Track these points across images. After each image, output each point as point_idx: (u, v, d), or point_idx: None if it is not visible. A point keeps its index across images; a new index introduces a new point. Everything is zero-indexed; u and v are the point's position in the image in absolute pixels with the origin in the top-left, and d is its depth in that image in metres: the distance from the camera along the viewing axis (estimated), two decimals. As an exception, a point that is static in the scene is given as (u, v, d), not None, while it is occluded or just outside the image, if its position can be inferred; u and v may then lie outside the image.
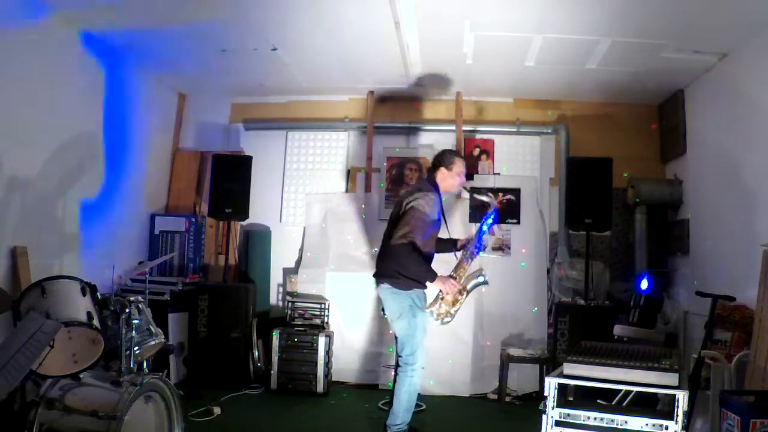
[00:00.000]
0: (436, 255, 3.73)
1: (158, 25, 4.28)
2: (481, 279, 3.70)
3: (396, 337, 3.67)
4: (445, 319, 3.64)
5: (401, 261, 3.47)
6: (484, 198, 3.84)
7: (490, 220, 3.80)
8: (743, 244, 4.00)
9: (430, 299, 3.65)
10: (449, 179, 3.74)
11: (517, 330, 5.18)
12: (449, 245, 3.87)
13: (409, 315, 3.52)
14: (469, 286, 3.69)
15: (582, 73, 4.93)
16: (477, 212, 5.23)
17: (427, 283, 3.54)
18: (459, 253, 3.82)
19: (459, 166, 3.75)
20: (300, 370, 4.83)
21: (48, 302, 2.77)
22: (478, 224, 3.84)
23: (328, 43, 4.56)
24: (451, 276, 3.65)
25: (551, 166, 5.69)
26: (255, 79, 5.48)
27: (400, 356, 3.59)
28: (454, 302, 3.64)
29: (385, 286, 3.56)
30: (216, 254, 5.67)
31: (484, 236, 3.84)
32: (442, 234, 3.77)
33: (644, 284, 4.62)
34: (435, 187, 3.68)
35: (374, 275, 3.67)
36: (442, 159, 3.75)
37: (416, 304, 3.55)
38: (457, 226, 5.21)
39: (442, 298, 3.62)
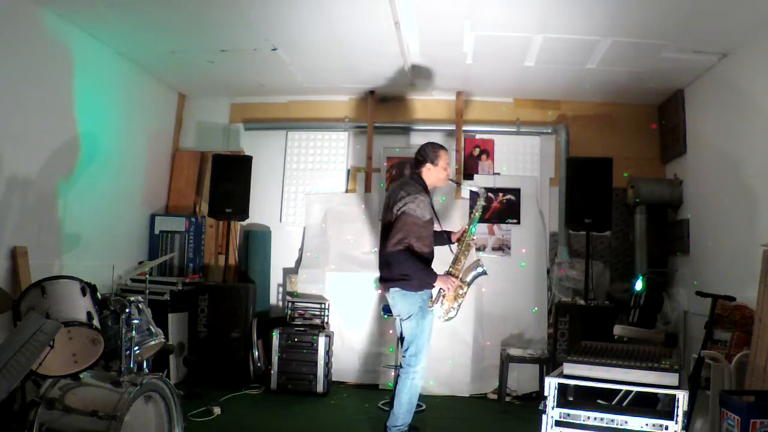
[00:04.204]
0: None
1: (158, 24, 4.29)
2: (480, 270, 3.68)
3: (400, 338, 3.66)
4: (449, 314, 3.63)
5: (402, 265, 3.46)
6: (473, 189, 3.82)
7: (480, 212, 3.76)
8: (743, 244, 4.00)
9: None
10: (436, 174, 3.69)
11: (517, 330, 5.18)
12: (443, 238, 3.84)
13: (419, 316, 3.53)
14: (468, 279, 3.67)
15: (582, 73, 4.92)
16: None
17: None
18: (455, 248, 3.78)
19: (444, 159, 3.70)
20: (300, 370, 4.83)
21: (48, 302, 2.77)
22: (470, 217, 3.81)
23: (328, 43, 4.56)
24: (449, 273, 3.62)
25: (551, 166, 5.69)
26: (255, 79, 5.48)
27: (404, 356, 3.59)
28: (456, 297, 3.62)
29: (396, 289, 3.54)
30: (216, 254, 5.67)
31: (477, 227, 3.80)
32: (435, 227, 3.73)
33: (639, 285, 4.64)
34: (422, 185, 3.64)
35: (380, 281, 3.65)
36: (427, 154, 3.69)
37: (427, 305, 3.56)
38: (457, 226, 5.19)
39: (444, 296, 3.61)
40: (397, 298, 3.56)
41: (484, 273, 3.71)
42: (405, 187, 3.60)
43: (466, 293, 3.66)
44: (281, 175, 5.96)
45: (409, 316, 3.53)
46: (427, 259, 3.57)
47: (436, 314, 3.63)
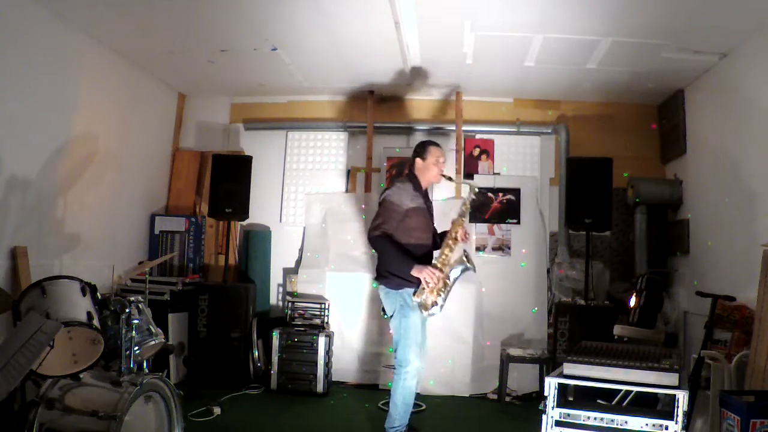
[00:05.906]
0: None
1: (158, 24, 4.29)
2: (463, 267, 3.54)
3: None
4: (432, 309, 3.46)
5: (382, 256, 3.50)
6: (464, 184, 3.82)
7: (468, 206, 3.73)
8: (743, 244, 4.00)
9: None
10: (426, 170, 3.71)
11: (517, 330, 5.18)
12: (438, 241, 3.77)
13: (400, 315, 3.50)
14: (452, 274, 3.53)
15: (582, 73, 4.92)
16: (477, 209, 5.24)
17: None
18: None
19: (434, 154, 3.71)
20: (300, 370, 4.83)
21: (48, 302, 2.77)
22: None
23: (328, 43, 4.56)
24: (432, 265, 3.50)
25: (551, 166, 5.69)
26: (255, 79, 5.48)
27: (395, 358, 3.59)
28: (438, 292, 3.47)
29: (381, 286, 3.59)
30: (216, 254, 5.67)
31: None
32: (428, 224, 3.68)
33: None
34: (413, 180, 3.66)
35: (374, 277, 3.71)
36: (416, 150, 3.76)
37: (408, 304, 3.48)
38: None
39: (423, 288, 3.45)
40: (382, 295, 3.61)
41: (469, 269, 3.56)
42: (393, 182, 3.71)
43: (451, 288, 3.52)
44: (281, 175, 5.97)
45: (392, 316, 3.55)
46: (412, 251, 3.49)
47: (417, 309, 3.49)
